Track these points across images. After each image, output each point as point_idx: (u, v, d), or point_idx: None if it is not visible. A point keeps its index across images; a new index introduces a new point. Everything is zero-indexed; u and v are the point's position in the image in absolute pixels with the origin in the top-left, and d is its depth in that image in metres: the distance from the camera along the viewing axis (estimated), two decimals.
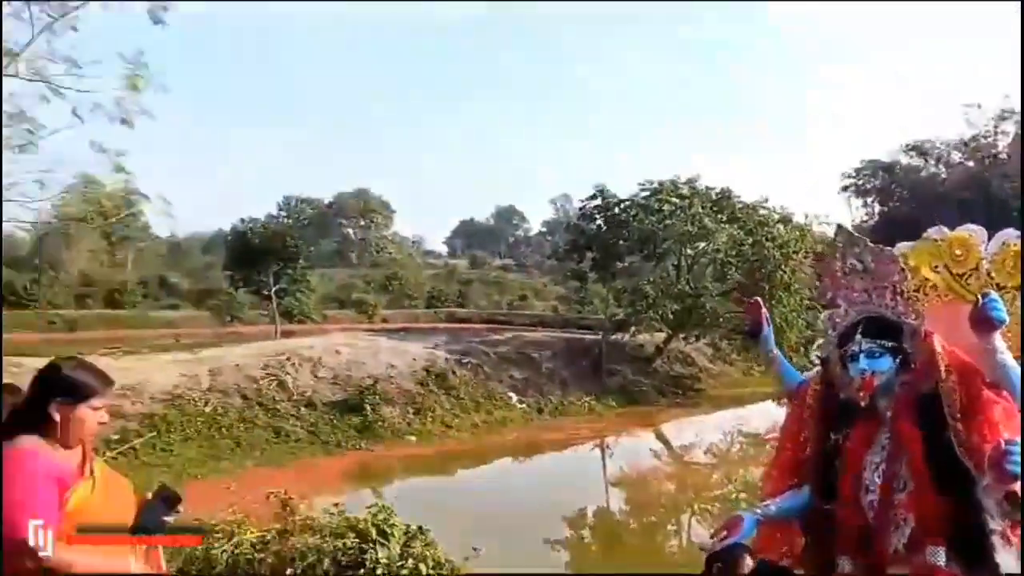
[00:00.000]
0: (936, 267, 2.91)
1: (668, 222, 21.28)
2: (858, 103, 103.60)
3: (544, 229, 75.71)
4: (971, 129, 47.65)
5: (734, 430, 17.74)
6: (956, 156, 49.18)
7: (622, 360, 22.08)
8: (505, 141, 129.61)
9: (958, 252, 2.90)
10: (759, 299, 3.24)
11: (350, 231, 64.33)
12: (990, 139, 47.21)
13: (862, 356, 2.51)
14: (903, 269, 2.67)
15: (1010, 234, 2.90)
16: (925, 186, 48.76)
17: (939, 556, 2.31)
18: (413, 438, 14.85)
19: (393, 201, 63.98)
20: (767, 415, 19.97)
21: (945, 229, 3.00)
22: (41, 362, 2.44)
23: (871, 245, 2.74)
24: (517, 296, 39.87)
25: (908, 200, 49.26)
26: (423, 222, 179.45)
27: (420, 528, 7.19)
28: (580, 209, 24.48)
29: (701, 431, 17.37)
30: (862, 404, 2.50)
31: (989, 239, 2.96)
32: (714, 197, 23.61)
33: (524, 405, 17.75)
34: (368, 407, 14.82)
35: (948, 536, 2.32)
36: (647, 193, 22.61)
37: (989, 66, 79.60)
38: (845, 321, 2.68)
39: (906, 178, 50.32)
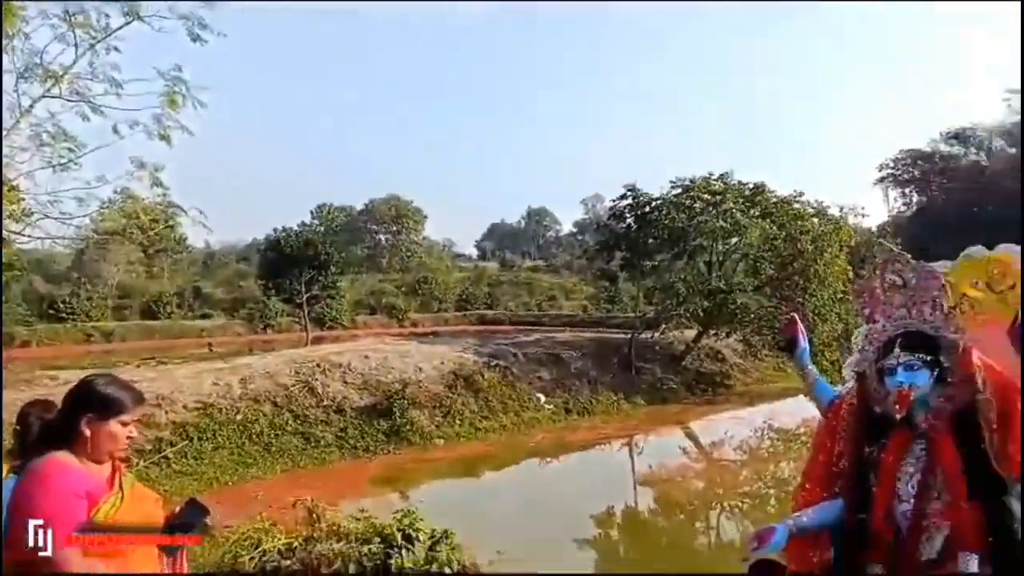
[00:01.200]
0: (975, 283, 3.03)
1: (700, 219, 21.12)
2: (894, 93, 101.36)
3: (575, 229, 75.60)
4: (1013, 115, 46.55)
5: (764, 426, 17.52)
6: (998, 143, 48.03)
7: (652, 358, 21.97)
8: (538, 142, 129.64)
9: (996, 271, 3.02)
10: (796, 315, 3.32)
11: (381, 237, 64.96)
12: None
13: (900, 369, 2.59)
14: (943, 285, 2.73)
15: None
16: (966, 174, 47.72)
17: (971, 564, 2.37)
18: (441, 441, 14.91)
19: (424, 206, 64.60)
20: (798, 410, 19.73)
21: (984, 249, 3.10)
22: (77, 374, 2.51)
23: (912, 261, 2.82)
24: (547, 297, 39.83)
25: (948, 189, 48.27)
26: (454, 226, 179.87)
27: (446, 532, 7.26)
28: (610, 208, 24.41)
29: (731, 428, 17.17)
30: (898, 417, 2.58)
31: None
32: (747, 193, 23.34)
33: (552, 406, 17.73)
34: (396, 411, 14.91)
35: (981, 545, 2.38)
36: (678, 191, 22.46)
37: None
38: (883, 336, 2.75)
39: (946, 167, 49.30)
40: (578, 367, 19.94)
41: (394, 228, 64.56)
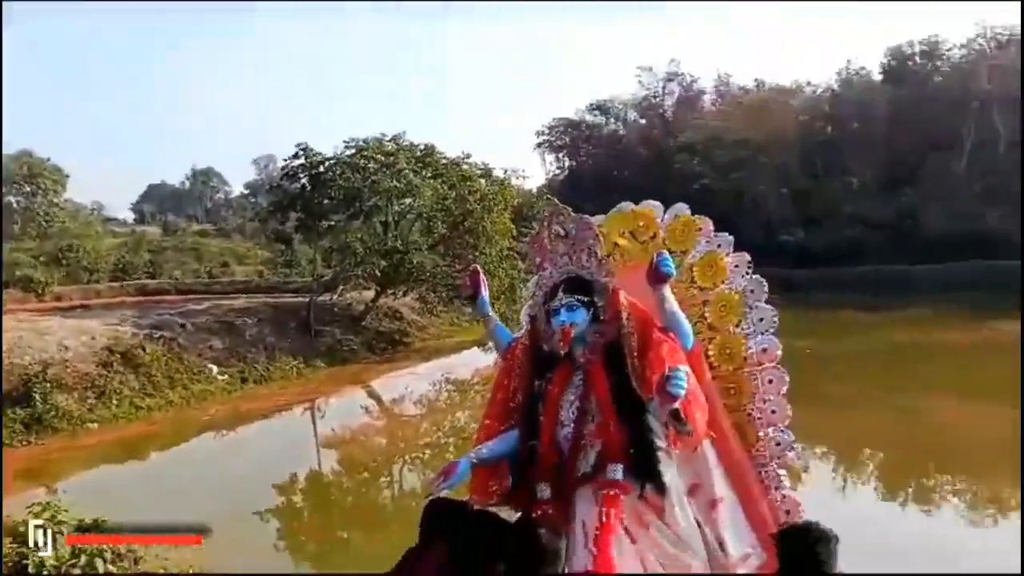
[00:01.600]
0: (623, 233, 3.46)
1: (374, 179, 21.10)
2: (551, 63, 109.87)
3: (247, 191, 71.66)
4: (643, 90, 52.99)
5: (442, 379, 18.27)
6: (632, 115, 54.33)
7: (331, 320, 21.72)
8: (204, 99, 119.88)
9: (641, 223, 3.49)
10: (477, 267, 3.65)
11: (12, 199, 55.92)
12: (659, 99, 52.81)
13: (563, 310, 2.91)
14: (597, 235, 3.06)
15: (680, 207, 3.53)
16: (607, 142, 53.44)
17: (618, 472, 2.74)
18: (95, 425, 13.34)
19: (66, 165, 56.63)
20: (472, 362, 20.89)
21: (631, 204, 3.57)
22: None
23: (573, 214, 3.14)
24: (218, 263, 37.30)
25: (593, 155, 53.70)
26: (105, 187, 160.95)
27: (96, 521, 6.49)
28: (283, 169, 23.41)
29: (410, 383, 17.67)
30: (562, 353, 2.91)
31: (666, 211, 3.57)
32: (419, 154, 23.87)
33: (226, 376, 16.75)
34: (37, 397, 13.02)
35: (626, 456, 2.74)
36: (352, 151, 22.29)
37: (659, 31, 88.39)
38: (550, 282, 3.04)
39: (591, 135, 54.70)
40: (254, 334, 19.05)
41: (27, 189, 55.93)
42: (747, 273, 3.41)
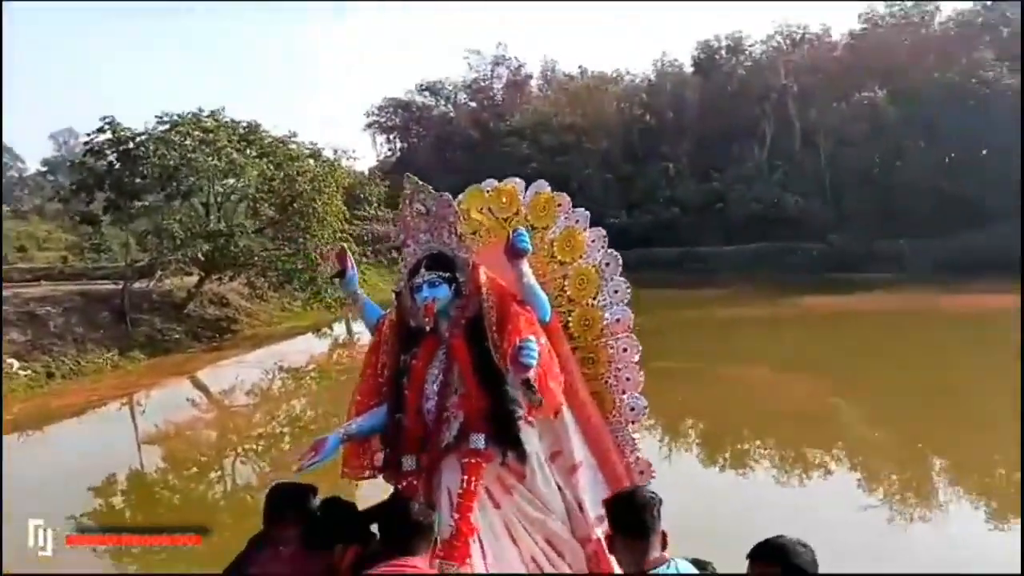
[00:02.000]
0: (482, 210, 3.53)
1: (192, 156, 19.88)
2: (382, 42, 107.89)
3: (44, 168, 65.30)
4: (472, 73, 53.31)
5: (274, 367, 17.61)
6: (462, 97, 54.54)
7: (150, 308, 20.33)
8: None
9: (504, 200, 3.57)
10: (344, 246, 3.75)
11: None
12: (488, 82, 53.36)
13: (425, 286, 3.00)
14: (457, 212, 3.18)
15: (541, 184, 3.65)
16: (438, 124, 53.37)
17: (480, 441, 2.89)
18: None
19: None
20: (306, 348, 20.33)
21: (495, 182, 3.63)
22: None
23: (433, 192, 3.19)
24: (14, 248, 33.86)
25: (425, 137, 53.51)
26: None
27: None
28: (86, 144, 21.48)
29: (241, 372, 16.87)
30: (427, 328, 3.02)
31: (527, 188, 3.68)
32: (241, 131, 22.81)
33: (29, 371, 15.29)
34: None
35: (488, 425, 2.90)
36: (166, 126, 20.93)
37: (487, 15, 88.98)
38: (413, 259, 3.13)
39: (422, 116, 54.42)
40: (59, 325, 17.46)
41: None
42: (603, 247, 3.56)
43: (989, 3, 37.63)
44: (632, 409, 3.47)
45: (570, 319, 3.51)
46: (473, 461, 2.88)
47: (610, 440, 3.38)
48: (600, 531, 2.98)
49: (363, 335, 23.01)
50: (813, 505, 8.40)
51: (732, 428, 11.56)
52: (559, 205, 3.57)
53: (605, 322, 3.49)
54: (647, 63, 60.93)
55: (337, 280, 3.57)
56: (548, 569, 2.96)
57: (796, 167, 38.42)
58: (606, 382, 3.48)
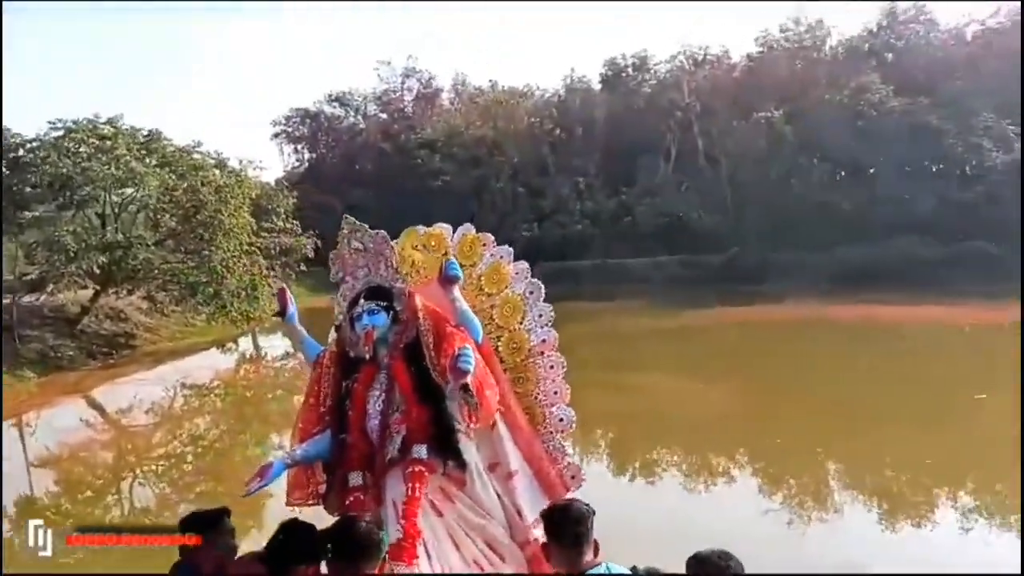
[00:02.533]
0: (416, 247, 3.76)
1: (87, 164, 19.05)
2: (287, 51, 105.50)
3: None
4: (383, 84, 52.93)
5: (176, 384, 16.97)
6: (372, 108, 54.04)
7: (40, 324, 19.29)
8: None
9: (432, 242, 3.81)
10: (284, 287, 3.89)
11: None
12: (398, 94, 53.03)
13: (364, 315, 3.27)
14: (392, 248, 3.46)
15: (467, 227, 3.95)
16: (347, 135, 52.71)
17: (422, 451, 3.14)
18: None
19: None
20: (211, 365, 19.69)
21: (424, 227, 3.87)
22: None
23: (369, 231, 3.48)
24: None
25: (333, 148, 52.74)
26: None
27: None
28: None
29: (140, 390, 16.20)
30: (366, 356, 3.28)
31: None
32: (141, 139, 22.02)
33: None
34: None
35: (429, 437, 3.16)
36: (59, 133, 20.04)
37: (401, 26, 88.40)
38: (352, 292, 3.42)
39: (331, 127, 53.62)
40: None
41: None
42: (526, 278, 3.94)
43: (875, 30, 39.96)
44: (561, 420, 3.81)
45: (499, 344, 3.82)
46: (416, 470, 3.11)
47: (542, 449, 3.68)
48: (539, 532, 3.16)
49: (270, 350, 22.55)
50: (718, 510, 8.69)
51: (641, 437, 11.83)
52: (484, 244, 3.91)
53: (532, 344, 3.84)
54: (556, 79, 61.86)
55: (280, 317, 3.78)
56: (489, 570, 3.20)
57: (700, 182, 39.74)
58: (536, 398, 3.81)
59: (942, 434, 10.96)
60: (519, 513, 3.39)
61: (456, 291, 3.43)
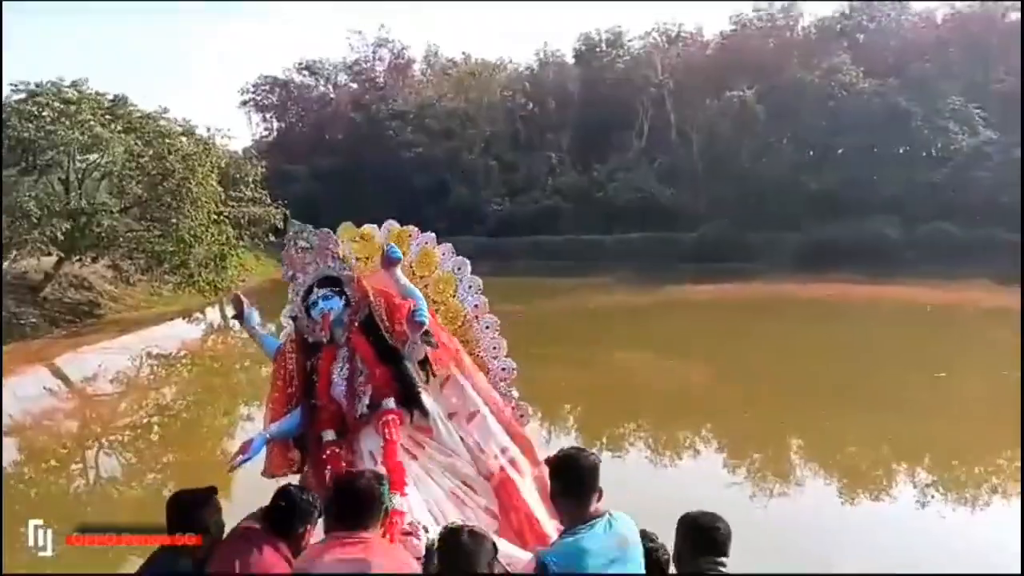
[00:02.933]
0: (356, 239, 4.25)
1: (51, 129, 18.59)
2: (257, 18, 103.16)
3: None
4: (354, 53, 52.21)
5: (142, 353, 16.75)
6: (343, 78, 53.33)
7: (3, 291, 18.89)
8: None
9: (364, 239, 4.29)
10: (238, 293, 4.14)
11: None
12: (369, 64, 52.35)
13: (320, 300, 3.68)
14: (336, 241, 3.90)
15: (390, 223, 4.40)
16: (317, 104, 52.03)
17: (391, 402, 3.60)
18: None
19: None
20: (177, 334, 19.46)
21: (351, 223, 4.34)
22: None
23: (313, 229, 3.89)
24: None
25: (303, 116, 52.05)
26: None
27: None
28: None
29: (105, 359, 15.96)
30: (325, 339, 3.68)
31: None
32: (107, 104, 21.53)
33: None
34: None
35: (393, 392, 3.61)
36: (22, 96, 19.56)
37: None
38: (305, 286, 3.78)
39: (300, 96, 52.87)
40: None
41: None
42: (452, 257, 4.41)
43: (847, 11, 40.21)
44: (503, 369, 4.35)
45: (439, 316, 4.23)
46: (389, 419, 3.55)
47: (494, 394, 4.12)
48: (503, 461, 3.78)
49: (238, 321, 22.32)
50: (683, 485, 8.83)
51: (609, 412, 11.95)
52: (410, 235, 4.35)
53: (466, 311, 4.35)
54: (530, 53, 61.47)
55: (238, 320, 4.13)
56: (468, 502, 3.62)
57: (672, 159, 39.89)
58: (480, 356, 4.31)
59: (902, 411, 11.20)
60: (481, 449, 3.80)
61: (398, 271, 3.87)
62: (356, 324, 3.69)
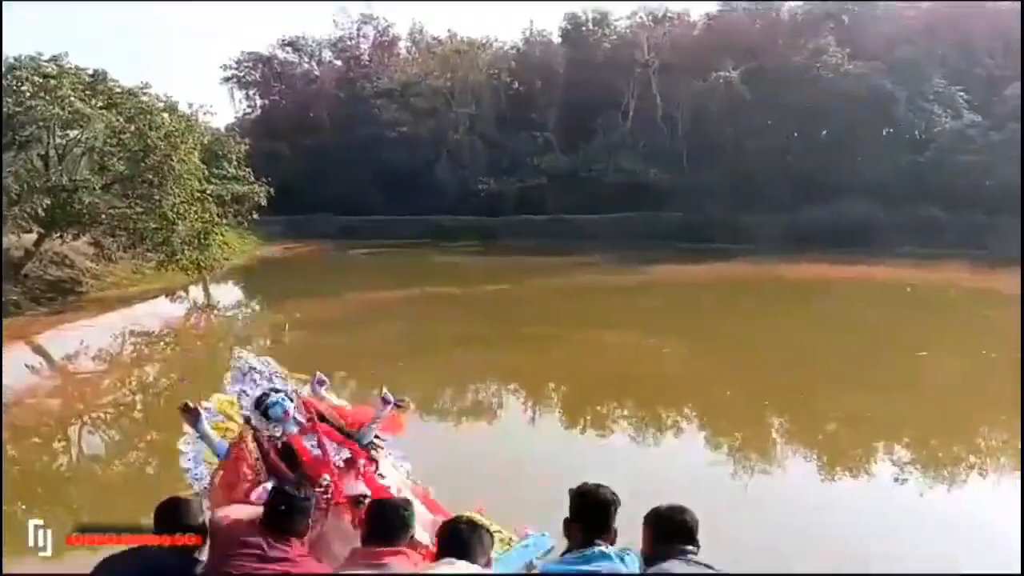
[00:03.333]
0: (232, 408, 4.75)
1: (30, 103, 18.30)
2: None
3: None
4: (338, 30, 51.64)
5: (125, 331, 16.64)
6: (327, 55, 52.75)
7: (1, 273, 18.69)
8: None
9: (233, 407, 4.73)
10: (188, 402, 4.27)
11: None
12: (354, 41, 51.80)
13: (279, 402, 4.34)
14: (276, 366, 4.75)
15: (218, 396, 4.79)
16: (301, 81, 51.47)
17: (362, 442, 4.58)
18: None
19: None
20: (160, 312, 19.33)
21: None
22: None
23: (249, 355, 4.80)
24: None
25: (287, 94, 51.49)
26: None
27: None
28: None
29: (87, 337, 15.85)
30: (288, 432, 4.33)
31: None
32: (87, 79, 21.16)
33: None
34: None
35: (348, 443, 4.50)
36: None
37: None
38: (252, 397, 4.45)
39: (284, 73, 52.27)
40: None
41: None
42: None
43: None
44: (321, 384, 4.95)
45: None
46: (369, 457, 4.53)
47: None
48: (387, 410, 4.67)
49: (222, 299, 22.20)
50: (665, 462, 8.92)
51: (594, 391, 12.00)
52: (231, 404, 4.70)
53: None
54: (516, 32, 61.02)
55: (191, 424, 4.33)
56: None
57: (657, 140, 39.85)
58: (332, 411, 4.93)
59: (883, 390, 11.35)
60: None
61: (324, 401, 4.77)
62: (310, 416, 4.47)
